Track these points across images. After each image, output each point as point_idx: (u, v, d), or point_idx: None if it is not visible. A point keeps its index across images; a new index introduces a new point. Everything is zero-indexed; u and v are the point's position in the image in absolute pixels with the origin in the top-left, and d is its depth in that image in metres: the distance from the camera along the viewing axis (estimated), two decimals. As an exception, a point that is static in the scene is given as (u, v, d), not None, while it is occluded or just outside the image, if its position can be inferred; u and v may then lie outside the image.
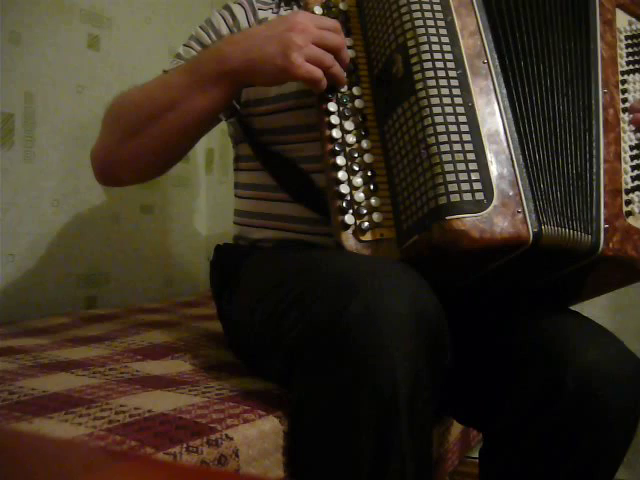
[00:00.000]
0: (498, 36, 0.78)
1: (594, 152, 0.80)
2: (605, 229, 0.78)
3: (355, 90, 0.81)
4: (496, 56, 0.77)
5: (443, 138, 0.71)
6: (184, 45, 1.00)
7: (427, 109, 0.72)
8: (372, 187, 0.77)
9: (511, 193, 0.72)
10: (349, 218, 0.75)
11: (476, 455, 1.54)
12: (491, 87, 0.75)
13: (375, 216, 0.76)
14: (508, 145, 0.73)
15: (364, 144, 0.79)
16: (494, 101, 0.75)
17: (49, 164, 1.36)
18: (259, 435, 0.70)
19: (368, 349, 0.64)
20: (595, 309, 0.91)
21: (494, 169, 0.72)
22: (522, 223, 0.71)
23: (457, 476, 1.56)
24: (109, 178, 0.97)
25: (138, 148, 0.88)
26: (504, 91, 0.76)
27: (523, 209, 0.71)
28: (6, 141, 1.28)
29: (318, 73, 0.78)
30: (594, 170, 0.79)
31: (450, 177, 0.70)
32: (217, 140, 1.83)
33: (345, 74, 0.80)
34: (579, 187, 0.78)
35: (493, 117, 0.74)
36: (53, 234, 1.37)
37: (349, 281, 0.67)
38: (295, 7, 0.99)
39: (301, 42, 0.77)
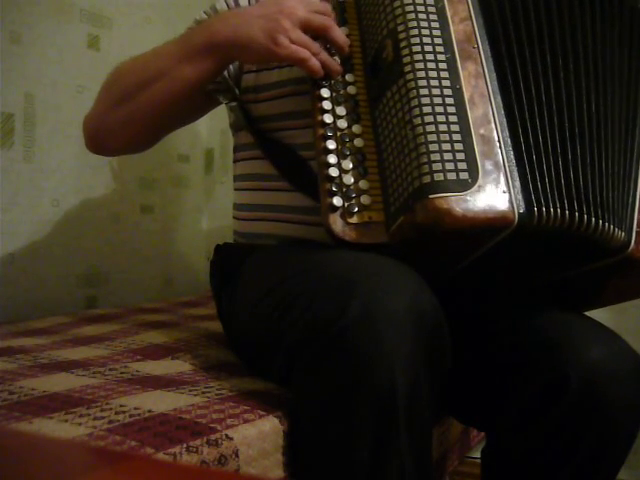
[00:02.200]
0: (493, 22, 0.78)
1: (635, 157, 0.80)
2: (637, 232, 0.78)
3: (348, 77, 0.82)
4: (487, 42, 0.78)
5: (429, 119, 0.72)
6: (188, 28, 1.00)
7: (414, 90, 0.73)
8: (362, 171, 0.77)
9: (497, 174, 0.71)
10: (337, 200, 0.76)
11: (476, 455, 1.54)
12: (480, 71, 0.76)
13: (364, 199, 0.76)
14: (496, 127, 0.74)
15: (355, 129, 0.79)
16: (483, 85, 0.75)
17: (49, 164, 1.36)
18: (259, 435, 0.70)
19: (367, 350, 0.64)
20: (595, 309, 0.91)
21: (480, 150, 0.72)
22: (508, 204, 0.71)
23: (457, 476, 1.56)
24: (99, 145, 0.98)
25: (127, 115, 0.90)
26: (494, 75, 0.76)
27: (509, 190, 0.71)
28: (6, 141, 1.28)
29: (304, 52, 0.79)
30: (633, 174, 0.80)
31: (434, 157, 0.70)
32: (217, 140, 1.83)
33: (335, 59, 0.82)
34: (614, 183, 0.77)
35: (481, 100, 0.74)
36: (53, 234, 1.37)
37: (349, 282, 0.67)
38: None
39: (288, 26, 0.79)
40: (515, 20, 0.79)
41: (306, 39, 0.80)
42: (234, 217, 1.04)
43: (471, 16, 0.78)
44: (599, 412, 0.74)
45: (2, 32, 1.26)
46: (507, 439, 0.80)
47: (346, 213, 0.75)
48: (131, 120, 0.91)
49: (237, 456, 0.67)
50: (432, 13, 0.77)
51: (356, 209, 0.75)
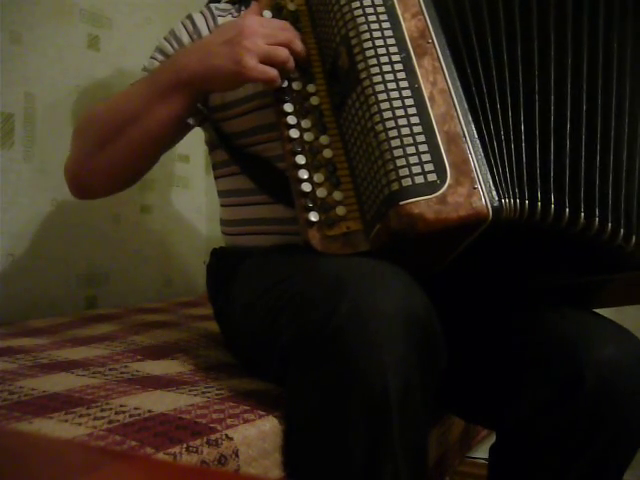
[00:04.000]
0: (449, 14, 0.77)
1: None
2: None
3: (310, 87, 0.82)
4: (442, 35, 0.76)
5: (390, 124, 0.71)
6: (150, 57, 1.00)
7: (372, 97, 0.72)
8: (334, 181, 0.77)
9: (466, 170, 0.70)
10: (313, 215, 0.75)
11: (476, 455, 1.54)
12: (437, 66, 0.74)
13: (339, 210, 0.76)
14: (459, 122, 0.72)
15: (323, 140, 0.79)
16: (441, 80, 0.74)
17: (49, 164, 1.36)
18: (259, 435, 0.70)
19: (358, 350, 0.64)
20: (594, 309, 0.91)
21: (446, 148, 0.71)
22: (479, 199, 0.70)
23: (457, 476, 1.57)
24: (83, 191, 0.99)
25: (107, 160, 0.90)
26: (453, 69, 0.75)
27: (480, 185, 0.70)
28: (6, 141, 1.28)
29: (272, 72, 0.80)
30: None
31: (400, 162, 0.70)
32: (217, 140, 1.83)
33: (297, 67, 0.82)
34: (621, 180, 0.75)
35: (441, 96, 0.73)
36: (53, 234, 1.37)
37: (340, 282, 0.67)
38: None
39: (251, 45, 0.79)
40: (476, 11, 0.76)
41: (273, 49, 0.80)
42: (222, 232, 1.05)
43: (422, 10, 0.77)
44: (615, 408, 0.74)
45: (2, 32, 1.26)
46: (519, 435, 0.80)
47: (324, 227, 0.75)
48: (112, 164, 0.91)
49: (237, 456, 0.67)
50: (382, 13, 0.75)
51: (333, 221, 0.75)
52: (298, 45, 0.82)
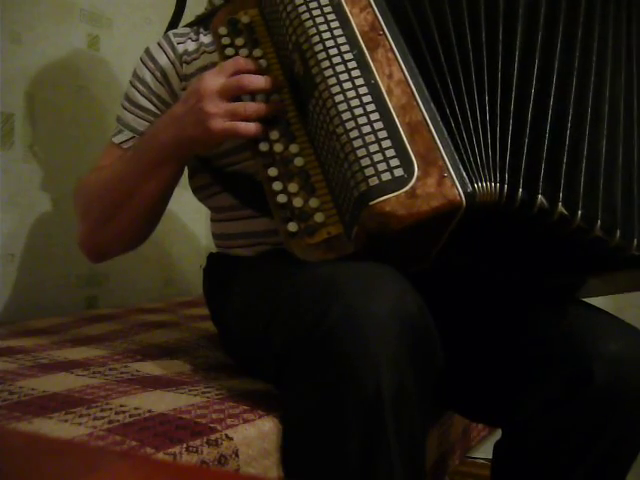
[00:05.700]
0: (401, 4, 0.75)
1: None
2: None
3: (274, 97, 0.81)
4: (394, 25, 0.75)
5: (350, 125, 0.70)
6: (121, 106, 1.00)
7: (330, 100, 0.72)
8: (309, 189, 0.76)
9: (433, 159, 0.69)
10: (292, 226, 0.75)
11: (476, 455, 1.54)
12: (391, 57, 0.73)
13: (317, 217, 0.75)
14: (421, 110, 0.71)
15: (293, 149, 0.78)
16: (397, 70, 0.73)
17: (49, 164, 1.36)
18: (259, 435, 0.70)
19: (351, 352, 0.64)
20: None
21: (410, 140, 0.70)
22: (450, 187, 0.69)
23: (457, 476, 1.56)
24: (101, 258, 1.03)
25: (115, 231, 0.95)
26: (409, 57, 0.74)
27: (449, 172, 0.69)
28: (6, 141, 1.28)
29: (240, 128, 0.79)
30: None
31: (365, 162, 0.69)
32: (217, 140, 1.83)
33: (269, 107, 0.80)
34: (599, 167, 0.74)
35: (399, 87, 0.72)
36: (53, 234, 1.37)
37: (332, 284, 0.67)
38: None
39: (212, 108, 0.80)
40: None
41: (233, 108, 0.80)
42: (215, 245, 1.05)
43: (371, 3, 0.75)
44: (624, 401, 0.75)
45: (2, 32, 1.26)
46: (526, 432, 0.80)
47: (305, 236, 0.74)
48: (120, 234, 0.96)
49: (237, 456, 0.67)
50: (329, 13, 0.74)
51: (313, 229, 0.74)
52: (256, 82, 0.80)
